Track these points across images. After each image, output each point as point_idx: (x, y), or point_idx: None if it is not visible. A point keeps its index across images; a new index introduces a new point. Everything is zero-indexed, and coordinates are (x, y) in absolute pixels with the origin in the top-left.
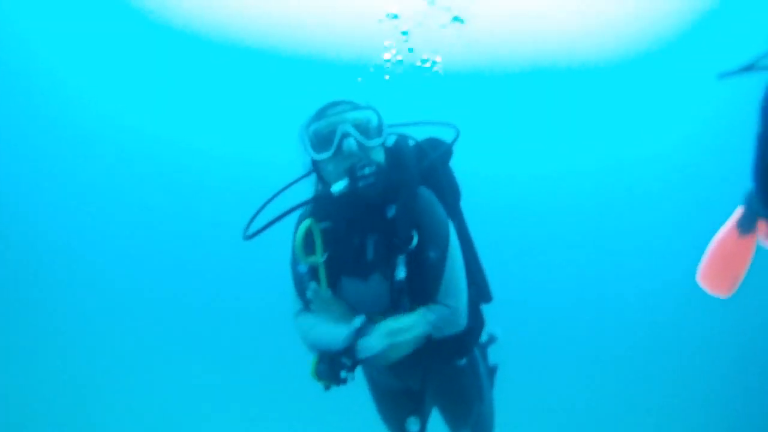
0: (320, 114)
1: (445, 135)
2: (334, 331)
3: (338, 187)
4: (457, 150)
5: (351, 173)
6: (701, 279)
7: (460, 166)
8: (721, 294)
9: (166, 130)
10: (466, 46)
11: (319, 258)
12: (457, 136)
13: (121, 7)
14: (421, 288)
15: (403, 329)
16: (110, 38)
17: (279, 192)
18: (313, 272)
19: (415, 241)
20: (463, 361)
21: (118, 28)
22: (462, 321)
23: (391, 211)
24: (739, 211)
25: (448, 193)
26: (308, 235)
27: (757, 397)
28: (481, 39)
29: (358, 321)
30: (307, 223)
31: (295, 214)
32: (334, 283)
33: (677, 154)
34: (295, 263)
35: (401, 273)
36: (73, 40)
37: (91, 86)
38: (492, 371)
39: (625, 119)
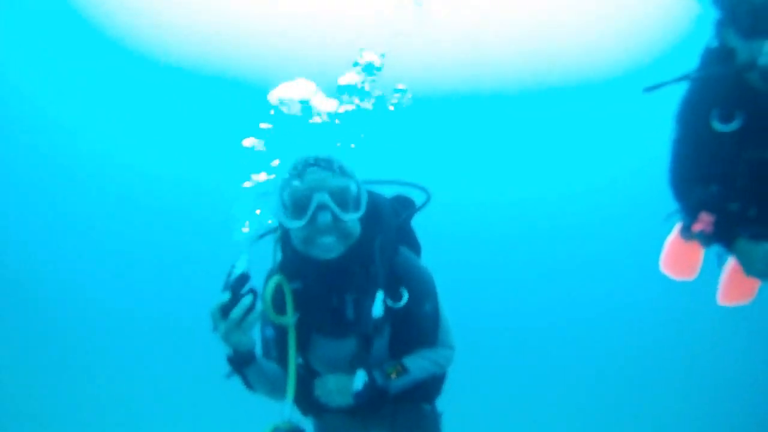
0: (299, 174)
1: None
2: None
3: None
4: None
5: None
6: (664, 270)
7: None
8: (686, 279)
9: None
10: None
11: (290, 319)
12: (428, 199)
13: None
14: (411, 339)
15: (434, 364)
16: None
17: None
18: (281, 334)
19: (405, 298)
20: (428, 407)
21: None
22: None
23: (375, 272)
24: (678, 225)
25: (412, 245)
26: (277, 295)
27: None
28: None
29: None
30: (276, 279)
31: (263, 273)
32: (304, 345)
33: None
34: (263, 326)
35: (378, 311)
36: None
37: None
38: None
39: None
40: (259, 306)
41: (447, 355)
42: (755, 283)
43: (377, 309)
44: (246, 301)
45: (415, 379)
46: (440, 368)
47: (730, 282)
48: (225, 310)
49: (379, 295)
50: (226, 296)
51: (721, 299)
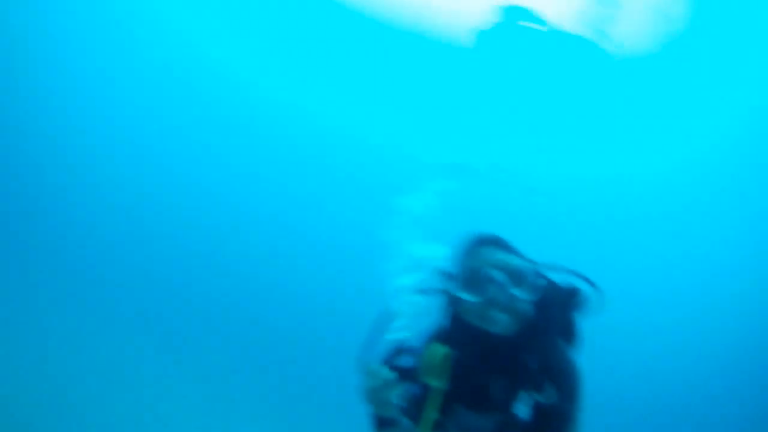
0: (477, 251)
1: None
2: None
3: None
4: None
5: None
6: None
7: None
8: None
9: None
10: None
11: (443, 384)
12: (598, 296)
13: None
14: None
15: None
16: None
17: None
18: (425, 394)
19: (549, 395)
20: None
21: None
22: None
23: (531, 361)
24: None
25: (569, 339)
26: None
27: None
28: None
29: None
30: (444, 351)
31: None
32: (444, 411)
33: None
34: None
35: (522, 413)
36: None
37: None
38: None
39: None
40: (400, 385)
41: None
42: None
43: (522, 411)
44: (383, 375)
45: None
46: None
47: None
48: (372, 377)
49: (527, 398)
50: (376, 365)
51: None
